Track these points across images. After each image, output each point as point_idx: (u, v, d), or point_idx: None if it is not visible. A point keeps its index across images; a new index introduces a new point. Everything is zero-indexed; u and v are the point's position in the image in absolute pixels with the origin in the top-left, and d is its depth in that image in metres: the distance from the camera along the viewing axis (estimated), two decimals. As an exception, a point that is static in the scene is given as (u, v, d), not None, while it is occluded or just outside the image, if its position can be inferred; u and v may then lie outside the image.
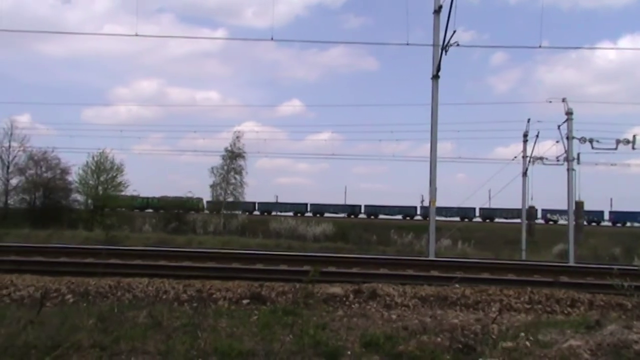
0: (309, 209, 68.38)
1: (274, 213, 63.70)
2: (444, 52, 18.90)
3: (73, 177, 45.91)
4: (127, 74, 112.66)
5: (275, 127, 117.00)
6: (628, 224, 62.84)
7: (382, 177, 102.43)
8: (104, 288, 10.28)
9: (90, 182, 45.85)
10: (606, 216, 65.01)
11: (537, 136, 31.01)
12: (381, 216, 66.69)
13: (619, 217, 63.77)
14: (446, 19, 18.30)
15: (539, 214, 64.01)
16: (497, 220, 63.06)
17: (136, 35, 15.70)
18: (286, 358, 6.14)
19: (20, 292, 10.12)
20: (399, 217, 66.34)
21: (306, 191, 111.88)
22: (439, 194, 19.60)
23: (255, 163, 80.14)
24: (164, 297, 10.09)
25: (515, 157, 32.57)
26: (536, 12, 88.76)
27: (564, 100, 27.48)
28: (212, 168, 44.82)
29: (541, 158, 30.70)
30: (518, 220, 62.11)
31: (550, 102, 28.26)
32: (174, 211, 45.17)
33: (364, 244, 36.08)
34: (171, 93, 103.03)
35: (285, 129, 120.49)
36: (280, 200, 70.83)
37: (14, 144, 44.37)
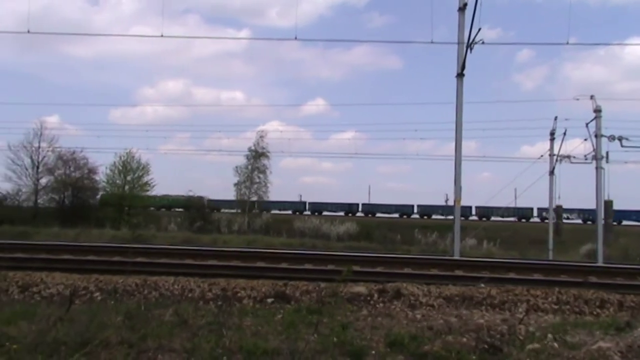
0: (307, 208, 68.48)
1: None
2: (468, 50, 18.71)
3: (100, 176, 46.64)
4: (153, 75, 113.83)
5: (299, 127, 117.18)
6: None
7: (406, 176, 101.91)
8: (131, 286, 10.41)
9: (117, 181, 46.50)
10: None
11: (565, 134, 30.50)
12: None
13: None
14: (471, 16, 18.13)
15: (535, 212, 64.12)
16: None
17: (162, 36, 15.77)
18: (311, 357, 6.13)
19: (50, 289, 10.30)
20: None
21: (330, 190, 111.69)
22: (464, 193, 19.47)
23: (279, 162, 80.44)
24: (190, 295, 10.18)
25: (542, 156, 32.07)
26: (563, 9, 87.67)
27: (592, 97, 27.00)
28: (236, 167, 45.10)
29: (568, 156, 30.19)
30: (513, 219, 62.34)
31: (578, 99, 27.78)
32: (199, 210, 45.48)
33: (388, 243, 35.90)
34: (197, 93, 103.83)
35: (309, 128, 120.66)
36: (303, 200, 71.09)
37: (44, 145, 45.16)
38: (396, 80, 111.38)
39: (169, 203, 53.88)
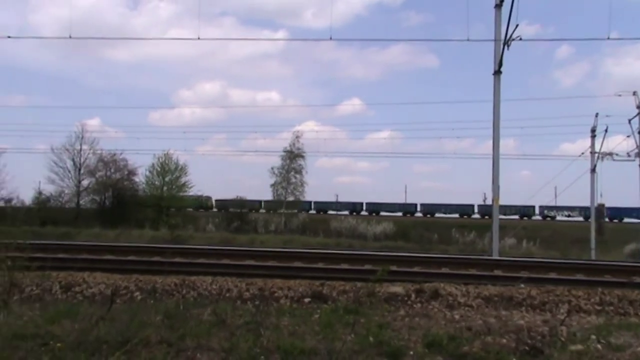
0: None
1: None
2: (506, 47, 18.51)
3: (140, 178, 47.44)
4: (190, 77, 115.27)
5: (335, 127, 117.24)
6: None
7: (444, 175, 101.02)
8: (170, 286, 10.54)
9: (156, 182, 47.24)
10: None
11: (606, 131, 29.92)
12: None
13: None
14: (508, 13, 17.93)
15: (537, 210, 63.38)
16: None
17: (198, 39, 15.94)
18: (348, 357, 6.13)
19: (92, 289, 10.49)
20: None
21: (366, 190, 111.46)
22: (502, 192, 19.25)
23: (315, 162, 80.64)
24: (227, 295, 10.27)
25: (583, 153, 31.49)
26: (604, 3, 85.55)
27: (634, 93, 26.44)
28: (272, 168, 45.35)
29: (610, 154, 29.58)
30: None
31: (620, 95, 27.24)
32: (237, 211, 45.84)
33: (424, 243, 35.67)
34: (233, 94, 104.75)
35: (345, 128, 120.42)
36: (340, 200, 71.06)
37: (85, 147, 46.20)
38: (432, 78, 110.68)
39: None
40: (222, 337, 6.82)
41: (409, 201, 71.50)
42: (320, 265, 13.75)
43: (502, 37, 18.52)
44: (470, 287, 10.70)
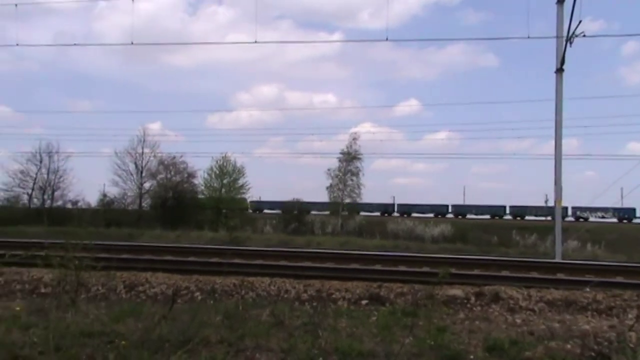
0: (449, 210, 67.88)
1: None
2: (568, 43, 18.02)
3: (199, 180, 48.34)
4: (248, 80, 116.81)
5: (391, 128, 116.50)
6: None
7: (503, 176, 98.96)
8: (229, 286, 10.69)
9: (214, 184, 48.05)
10: None
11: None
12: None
13: None
14: (571, 8, 17.46)
15: (569, 211, 60.93)
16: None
17: (255, 42, 16.14)
18: (406, 360, 6.08)
19: (154, 289, 10.76)
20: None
21: (424, 192, 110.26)
22: (564, 193, 18.77)
23: (371, 164, 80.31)
24: (285, 296, 10.35)
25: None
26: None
27: None
28: (329, 170, 45.39)
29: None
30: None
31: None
32: (294, 212, 46.11)
33: (483, 245, 34.95)
34: (290, 97, 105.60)
35: (402, 129, 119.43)
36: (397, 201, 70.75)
37: (147, 150, 47.38)
38: (492, 78, 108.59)
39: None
40: (280, 338, 6.88)
41: (467, 202, 70.68)
42: (377, 267, 13.71)
43: (565, 33, 18.05)
44: (532, 291, 10.43)
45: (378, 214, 64.83)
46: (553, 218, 54.29)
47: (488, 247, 33.49)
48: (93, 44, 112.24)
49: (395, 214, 67.10)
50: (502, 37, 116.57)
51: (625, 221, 60.30)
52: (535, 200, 73.76)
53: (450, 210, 68.96)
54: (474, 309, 9.62)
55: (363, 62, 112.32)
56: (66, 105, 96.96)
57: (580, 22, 17.50)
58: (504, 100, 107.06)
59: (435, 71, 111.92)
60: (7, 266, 11.28)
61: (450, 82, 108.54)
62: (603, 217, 62.25)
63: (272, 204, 63.43)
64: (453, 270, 12.70)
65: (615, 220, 60.36)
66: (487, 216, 65.50)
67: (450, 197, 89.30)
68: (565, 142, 18.92)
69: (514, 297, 10.07)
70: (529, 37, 19.85)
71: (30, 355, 5.94)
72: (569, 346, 6.67)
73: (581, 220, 61.22)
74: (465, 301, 9.90)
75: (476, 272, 13.01)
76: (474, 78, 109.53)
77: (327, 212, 49.08)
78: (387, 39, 16.42)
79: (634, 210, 61.76)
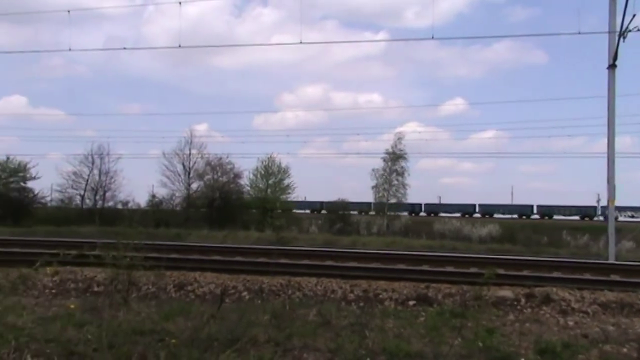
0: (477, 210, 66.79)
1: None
2: (621, 38, 17.51)
3: (245, 180, 48.80)
4: (293, 81, 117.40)
5: (437, 127, 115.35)
6: None
7: (552, 175, 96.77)
8: (276, 286, 10.77)
9: (260, 185, 48.47)
10: None
11: None
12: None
13: None
14: (624, 2, 16.96)
15: (599, 211, 60.39)
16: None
17: (300, 43, 16.21)
18: (455, 361, 6.01)
19: (203, 288, 10.90)
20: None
21: (471, 191, 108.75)
22: (619, 192, 18.25)
23: (417, 164, 79.66)
24: (332, 296, 10.35)
25: None
26: None
27: None
28: (373, 170, 45.19)
29: None
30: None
31: None
32: (340, 212, 46.09)
33: (533, 246, 34.25)
34: (335, 97, 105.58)
35: (448, 129, 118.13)
36: (443, 201, 69.98)
37: (194, 152, 47.86)
38: (541, 75, 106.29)
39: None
40: (327, 338, 6.87)
41: (515, 202, 69.40)
42: (424, 267, 13.60)
43: (618, 28, 17.56)
44: (585, 293, 10.17)
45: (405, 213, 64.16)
46: (582, 217, 52.90)
47: (537, 248, 32.84)
48: (142, 47, 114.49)
49: (423, 214, 66.41)
50: (551, 33, 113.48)
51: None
52: (586, 200, 71.83)
53: (477, 210, 67.68)
54: (524, 310, 9.45)
55: (408, 61, 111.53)
56: (116, 108, 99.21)
57: (634, 16, 17.06)
58: (553, 97, 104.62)
59: (482, 69, 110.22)
60: (62, 265, 11.61)
61: (497, 80, 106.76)
62: (633, 217, 60.49)
63: (315, 204, 63.69)
64: (502, 271, 12.56)
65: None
66: (515, 215, 64.25)
67: (497, 197, 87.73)
68: (618, 140, 18.47)
69: (565, 298, 9.84)
70: (579, 33, 19.34)
71: (84, 352, 6.07)
72: (625, 350, 6.49)
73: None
74: (515, 303, 9.73)
75: (525, 273, 12.77)
76: (522, 75, 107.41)
77: (372, 213, 48.92)
78: (432, 37, 16.19)
79: None
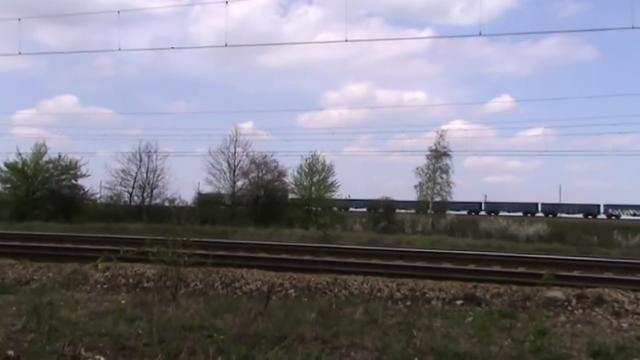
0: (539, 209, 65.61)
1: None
2: (677, 31, 16.94)
3: (289, 178, 49.07)
4: (337, 79, 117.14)
5: (483, 125, 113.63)
6: None
7: (602, 173, 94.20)
8: (322, 284, 10.79)
9: (304, 183, 48.67)
10: None
11: None
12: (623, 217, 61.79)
13: None
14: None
15: (601, 209, 59.95)
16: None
17: (346, 41, 16.17)
18: (505, 363, 5.91)
19: (250, 285, 11.01)
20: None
21: (517, 190, 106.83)
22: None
23: (462, 162, 78.74)
24: (378, 294, 10.32)
25: None
26: None
27: None
28: (417, 168, 44.84)
29: None
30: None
31: None
32: (384, 211, 45.90)
33: (582, 246, 33.44)
34: (379, 95, 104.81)
35: (494, 126, 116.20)
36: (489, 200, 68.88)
37: (239, 150, 48.30)
38: (591, 71, 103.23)
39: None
40: (374, 336, 6.85)
41: (563, 201, 67.83)
42: (471, 266, 13.43)
43: (673, 21, 16.93)
44: (640, 294, 9.88)
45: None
46: (592, 215, 51.03)
47: (587, 248, 32.07)
48: (189, 47, 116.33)
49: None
50: (602, 28, 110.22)
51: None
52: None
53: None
54: (575, 311, 9.23)
55: (453, 58, 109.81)
56: (163, 107, 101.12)
57: (690, 8, 16.43)
58: (604, 94, 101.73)
59: (530, 66, 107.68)
60: (122, 262, 11.84)
61: (546, 77, 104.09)
62: (635, 215, 59.52)
63: (359, 202, 63.49)
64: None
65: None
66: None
67: (544, 196, 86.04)
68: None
69: (619, 300, 9.57)
70: (632, 27, 18.71)
71: (135, 346, 6.20)
72: (683, 353, 6.27)
73: (613, 218, 58.15)
74: (566, 303, 9.51)
75: (576, 273, 12.49)
76: (571, 72, 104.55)
77: (414, 211, 48.53)
78: (480, 34, 15.91)
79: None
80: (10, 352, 5.82)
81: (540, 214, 63.50)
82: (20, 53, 20.68)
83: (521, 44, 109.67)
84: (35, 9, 78.72)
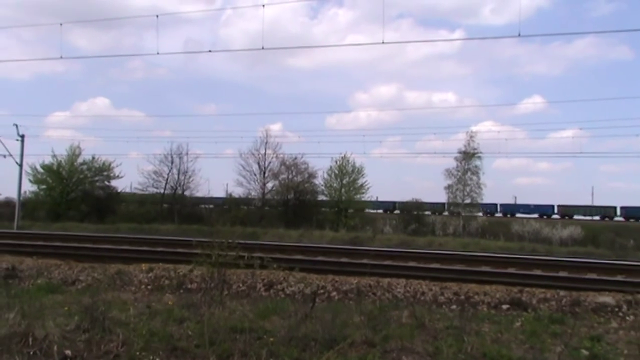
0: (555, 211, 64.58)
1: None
2: None
3: (319, 180, 49.10)
4: (366, 81, 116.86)
5: (513, 126, 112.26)
6: None
7: (636, 175, 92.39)
8: (365, 287, 10.74)
9: (334, 185, 48.64)
10: None
11: None
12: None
13: None
14: None
15: (618, 211, 58.35)
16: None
17: (383, 43, 16.09)
18: (562, 369, 5.82)
19: (292, 287, 11.01)
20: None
21: (547, 192, 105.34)
22: None
23: (492, 163, 77.86)
24: (422, 298, 10.24)
25: None
26: None
27: None
28: (447, 170, 44.47)
29: None
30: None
31: None
32: (414, 213, 45.67)
33: (617, 249, 32.80)
34: (408, 96, 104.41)
35: (525, 127, 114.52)
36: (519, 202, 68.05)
37: (269, 151, 48.61)
38: (625, 72, 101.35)
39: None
40: (424, 341, 6.79)
41: (595, 203, 66.64)
42: (511, 270, 13.27)
43: None
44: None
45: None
46: (609, 217, 49.61)
47: (623, 251, 31.51)
48: (224, 49, 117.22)
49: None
50: (638, 28, 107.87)
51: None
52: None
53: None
54: (627, 317, 9.03)
55: (484, 59, 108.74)
56: (194, 109, 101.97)
57: None
58: (638, 95, 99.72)
59: (562, 66, 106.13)
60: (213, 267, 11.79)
61: (579, 78, 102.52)
62: None
63: (388, 204, 63.23)
64: (593, 276, 12.14)
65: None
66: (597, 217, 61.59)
67: (575, 198, 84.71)
68: None
69: (671, 306, 9.35)
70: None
71: (187, 347, 6.24)
72: None
73: (632, 220, 57.37)
74: (617, 309, 9.32)
75: (620, 278, 12.23)
76: (605, 72, 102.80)
77: (445, 213, 48.20)
78: (519, 35, 15.65)
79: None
80: (68, 352, 5.91)
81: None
82: (61, 57, 20.81)
83: (553, 44, 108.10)
84: (73, 14, 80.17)
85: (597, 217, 62.06)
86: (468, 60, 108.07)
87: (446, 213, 46.31)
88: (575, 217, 60.39)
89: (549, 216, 61.76)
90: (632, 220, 59.94)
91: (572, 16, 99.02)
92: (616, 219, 61.46)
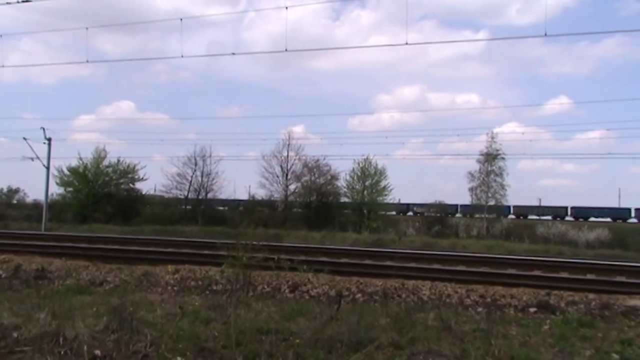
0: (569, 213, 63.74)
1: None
2: None
3: (341, 182, 49.07)
4: (389, 82, 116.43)
5: (538, 127, 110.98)
6: None
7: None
8: (390, 289, 10.70)
9: (357, 187, 48.57)
10: None
11: None
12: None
13: None
14: None
15: (632, 213, 57.11)
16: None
17: (406, 44, 16.07)
18: (592, 374, 5.74)
19: (317, 289, 11.02)
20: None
21: (572, 193, 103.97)
22: None
23: (516, 165, 77.07)
24: (447, 300, 10.17)
25: None
26: None
27: None
28: (469, 172, 44.11)
29: None
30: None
31: None
32: (437, 215, 45.46)
33: (646, 252, 32.27)
34: (431, 98, 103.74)
35: (550, 129, 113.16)
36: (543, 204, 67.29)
37: (291, 154, 48.71)
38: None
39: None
40: (451, 343, 6.74)
41: (623, 205, 65.54)
42: (537, 272, 13.14)
43: None
44: None
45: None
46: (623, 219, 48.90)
47: (652, 254, 31.00)
48: (248, 52, 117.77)
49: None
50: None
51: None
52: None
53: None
54: (658, 321, 8.88)
55: (508, 60, 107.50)
56: (217, 111, 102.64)
57: None
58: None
59: (589, 66, 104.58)
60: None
61: (606, 78, 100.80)
62: None
63: (411, 206, 62.95)
64: (623, 279, 11.96)
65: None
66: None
67: (602, 199, 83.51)
68: None
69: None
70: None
71: (214, 348, 6.27)
72: None
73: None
74: (648, 313, 9.17)
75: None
76: (634, 72, 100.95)
77: (468, 215, 47.85)
78: (545, 34, 15.53)
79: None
80: (97, 352, 5.97)
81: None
82: (87, 61, 21.15)
83: (580, 44, 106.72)
84: (99, 18, 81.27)
85: (608, 219, 61.08)
86: (492, 61, 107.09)
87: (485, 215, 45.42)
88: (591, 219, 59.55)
89: (562, 218, 61.06)
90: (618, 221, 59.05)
91: (600, 15, 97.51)
92: (630, 220, 60.46)
